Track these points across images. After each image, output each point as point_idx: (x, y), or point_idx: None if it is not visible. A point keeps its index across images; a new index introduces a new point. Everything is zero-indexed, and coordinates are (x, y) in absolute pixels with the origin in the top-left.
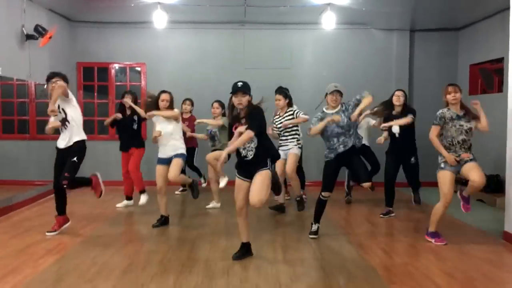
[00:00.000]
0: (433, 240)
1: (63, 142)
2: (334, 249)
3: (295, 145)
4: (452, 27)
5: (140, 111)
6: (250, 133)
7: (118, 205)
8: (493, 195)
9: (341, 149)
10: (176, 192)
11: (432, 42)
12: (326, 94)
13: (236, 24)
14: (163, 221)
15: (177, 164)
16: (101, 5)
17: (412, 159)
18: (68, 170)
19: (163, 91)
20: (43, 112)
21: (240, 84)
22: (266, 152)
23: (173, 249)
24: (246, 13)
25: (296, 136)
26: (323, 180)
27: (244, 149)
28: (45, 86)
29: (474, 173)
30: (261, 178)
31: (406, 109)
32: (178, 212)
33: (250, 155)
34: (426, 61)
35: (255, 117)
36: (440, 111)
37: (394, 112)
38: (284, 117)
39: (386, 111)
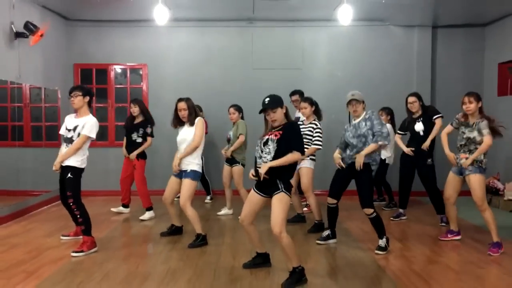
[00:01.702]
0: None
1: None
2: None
3: (307, 158)
4: (478, 23)
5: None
6: (298, 155)
7: (113, 208)
8: None
9: (349, 161)
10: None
11: (456, 39)
12: (347, 104)
13: (244, 22)
14: (174, 230)
15: (187, 187)
16: (98, 1)
17: (429, 160)
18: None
19: (180, 99)
20: (37, 118)
21: (267, 100)
22: (278, 173)
23: (171, 269)
24: (254, 8)
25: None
26: (330, 185)
27: (260, 157)
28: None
29: (472, 191)
30: (278, 203)
31: (425, 110)
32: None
33: (264, 160)
34: (450, 59)
35: (295, 136)
36: (458, 114)
37: (414, 116)
38: (307, 128)
39: (406, 120)
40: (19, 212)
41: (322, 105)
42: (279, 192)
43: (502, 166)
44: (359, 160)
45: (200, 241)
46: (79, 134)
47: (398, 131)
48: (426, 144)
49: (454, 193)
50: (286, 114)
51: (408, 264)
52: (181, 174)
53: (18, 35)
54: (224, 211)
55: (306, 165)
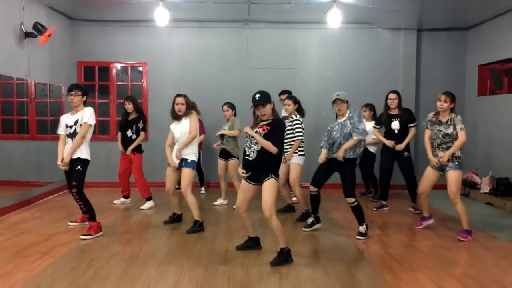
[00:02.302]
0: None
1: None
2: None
3: (296, 153)
4: (461, 27)
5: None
6: (274, 149)
7: (115, 201)
8: (502, 198)
9: (334, 155)
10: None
11: (440, 42)
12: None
13: (239, 23)
14: (175, 218)
15: (186, 175)
16: (102, 3)
17: (406, 153)
18: (76, 178)
19: (177, 95)
20: (43, 112)
21: (257, 96)
22: (266, 161)
23: (171, 252)
24: (250, 11)
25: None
26: (313, 175)
27: (250, 148)
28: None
29: (448, 186)
30: (267, 188)
31: (402, 111)
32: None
33: (252, 156)
34: (434, 61)
35: (278, 132)
36: (429, 115)
37: (391, 112)
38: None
39: (383, 115)
40: (26, 201)
41: (313, 103)
42: (268, 179)
43: (480, 162)
44: (340, 154)
45: (198, 227)
46: (81, 126)
47: (374, 126)
48: (400, 147)
49: (429, 188)
50: (273, 110)
51: (385, 248)
52: (180, 164)
53: (27, 35)
54: (220, 201)
55: (294, 161)
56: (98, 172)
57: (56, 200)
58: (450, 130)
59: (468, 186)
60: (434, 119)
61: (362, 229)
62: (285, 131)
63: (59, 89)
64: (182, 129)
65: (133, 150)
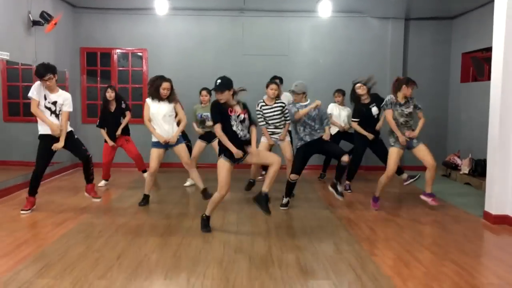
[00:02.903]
0: (376, 204)
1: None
2: (319, 219)
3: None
4: (446, 16)
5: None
6: (255, 128)
7: (100, 184)
8: (479, 178)
9: (306, 139)
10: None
11: (426, 30)
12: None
13: (235, 11)
14: (147, 200)
15: (184, 150)
16: None
17: (379, 137)
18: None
19: (164, 79)
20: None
21: (218, 82)
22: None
23: (173, 223)
24: (245, 0)
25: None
26: (293, 164)
27: (242, 131)
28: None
29: (427, 157)
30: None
31: (374, 97)
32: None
33: (242, 135)
34: (420, 49)
35: (250, 113)
36: (388, 97)
37: (364, 102)
38: (272, 107)
39: (359, 107)
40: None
41: None
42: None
43: (462, 144)
44: (327, 133)
45: (208, 193)
46: (60, 110)
47: (354, 119)
48: (379, 125)
49: (396, 167)
50: (233, 95)
51: (365, 221)
52: (165, 144)
53: (34, 23)
54: (189, 182)
55: (287, 140)
56: (100, 154)
57: (62, 179)
58: (411, 110)
59: (450, 168)
60: (395, 101)
61: (340, 188)
62: (270, 114)
63: (63, 74)
64: (163, 111)
65: (128, 133)
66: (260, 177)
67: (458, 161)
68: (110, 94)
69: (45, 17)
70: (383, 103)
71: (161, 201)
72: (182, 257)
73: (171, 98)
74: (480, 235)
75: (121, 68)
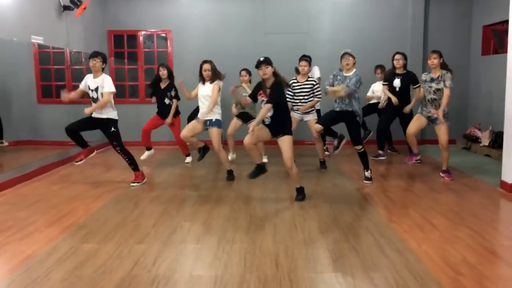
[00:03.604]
0: (410, 158)
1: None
2: (339, 189)
3: (313, 111)
4: None
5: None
6: (268, 106)
7: (142, 157)
8: (499, 150)
9: (337, 108)
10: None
11: (447, 3)
12: (341, 59)
13: None
14: (204, 152)
15: (216, 134)
16: None
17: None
18: (114, 139)
19: (205, 61)
20: (77, 78)
21: (262, 58)
22: (280, 122)
23: (202, 194)
24: None
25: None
26: (322, 119)
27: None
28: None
29: (441, 137)
30: (284, 143)
31: (407, 72)
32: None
33: (267, 121)
34: (441, 22)
35: (274, 91)
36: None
37: (396, 71)
38: (303, 84)
39: (389, 73)
40: (67, 158)
41: (325, 66)
42: (286, 134)
43: (483, 117)
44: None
45: (231, 174)
46: (102, 94)
47: (383, 82)
48: (407, 109)
49: (416, 130)
50: (275, 73)
51: (384, 191)
52: (205, 123)
53: (65, 8)
54: (230, 156)
55: (315, 117)
56: (129, 133)
57: (95, 157)
58: (441, 86)
59: (470, 140)
60: (423, 78)
61: (367, 174)
62: (299, 91)
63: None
64: (208, 93)
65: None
66: (327, 153)
67: (479, 133)
68: (162, 72)
69: (75, 2)
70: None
71: (192, 176)
72: (212, 225)
73: (213, 78)
74: (496, 202)
75: (147, 50)
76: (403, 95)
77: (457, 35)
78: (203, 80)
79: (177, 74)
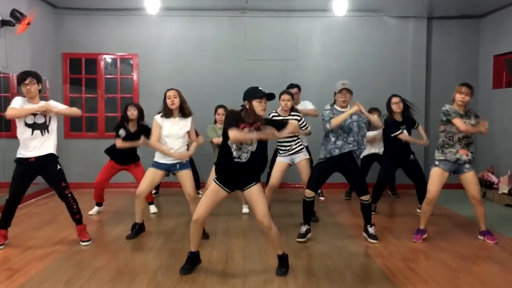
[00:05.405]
0: (417, 237)
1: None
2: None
3: (303, 149)
4: (474, 14)
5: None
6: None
7: (90, 212)
8: None
9: (335, 152)
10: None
11: (451, 30)
12: (335, 93)
13: (237, 11)
14: (138, 229)
15: (190, 178)
16: None
17: (411, 156)
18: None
19: (170, 88)
20: None
21: (261, 89)
22: (260, 162)
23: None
24: None
25: (300, 139)
26: (309, 179)
27: (239, 149)
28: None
29: (472, 189)
30: (258, 193)
31: (406, 115)
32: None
33: (245, 158)
34: (445, 51)
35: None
36: (445, 107)
37: (397, 119)
38: (286, 119)
39: (392, 121)
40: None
41: (315, 96)
42: (256, 183)
43: (497, 159)
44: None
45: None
46: (50, 118)
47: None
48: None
49: (439, 192)
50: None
51: (404, 261)
52: (168, 166)
53: (4, 23)
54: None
55: (307, 156)
56: (87, 173)
57: (40, 204)
58: (473, 121)
59: (484, 186)
60: (452, 112)
61: (372, 230)
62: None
63: (43, 83)
64: (179, 131)
65: (138, 158)
66: (322, 198)
67: (494, 178)
68: (132, 112)
69: (17, 16)
70: (442, 114)
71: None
72: None
73: (184, 110)
74: None
75: (108, 76)
76: (408, 144)
77: (463, 65)
78: (169, 112)
79: (144, 104)
